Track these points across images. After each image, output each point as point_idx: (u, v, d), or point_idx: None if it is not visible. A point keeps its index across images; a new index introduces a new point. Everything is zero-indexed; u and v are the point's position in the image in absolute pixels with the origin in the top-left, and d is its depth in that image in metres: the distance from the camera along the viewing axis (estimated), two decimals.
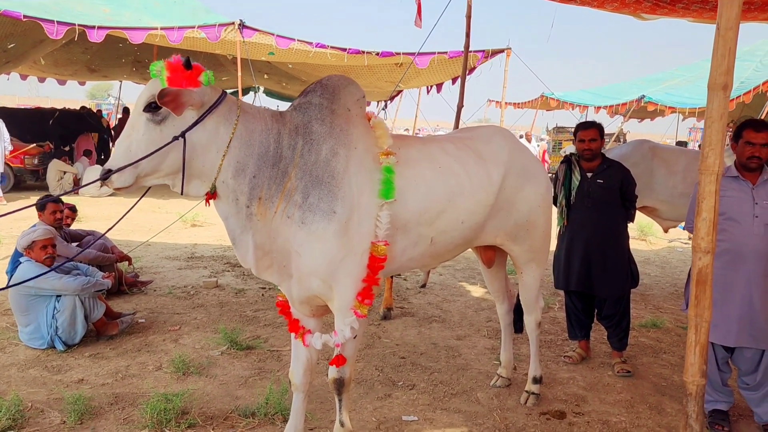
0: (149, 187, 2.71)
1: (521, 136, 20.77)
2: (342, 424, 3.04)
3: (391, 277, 5.58)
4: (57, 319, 4.37)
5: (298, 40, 10.34)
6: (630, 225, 4.81)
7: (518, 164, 3.38)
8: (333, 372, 2.95)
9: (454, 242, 3.17)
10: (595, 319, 4.77)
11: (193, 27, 9.93)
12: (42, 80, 19.68)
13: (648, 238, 10.33)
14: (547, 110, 20.84)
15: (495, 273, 3.99)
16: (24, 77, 19.01)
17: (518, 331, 4.18)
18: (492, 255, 3.78)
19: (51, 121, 15.48)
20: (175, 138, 2.54)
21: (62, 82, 19.93)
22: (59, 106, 17.74)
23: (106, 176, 2.51)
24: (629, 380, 4.39)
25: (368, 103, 16.37)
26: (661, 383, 4.36)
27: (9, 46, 14.33)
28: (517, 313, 4.11)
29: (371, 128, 2.92)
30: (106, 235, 6.30)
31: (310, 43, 10.43)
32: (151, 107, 2.52)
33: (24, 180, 12.94)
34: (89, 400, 3.62)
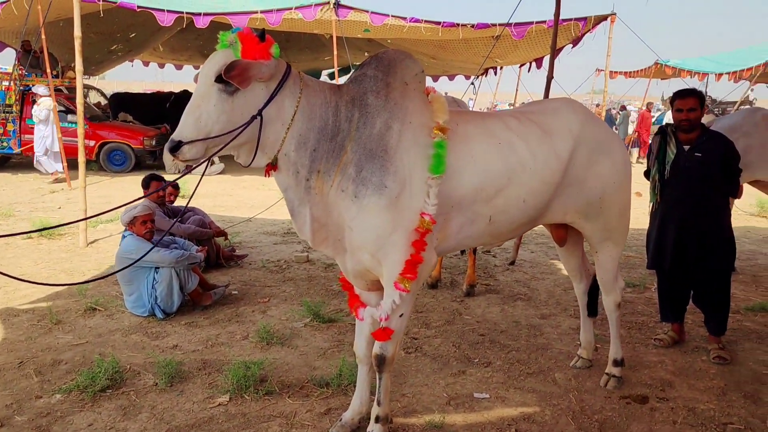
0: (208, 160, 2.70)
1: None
2: (379, 403, 3.06)
3: (474, 253, 5.52)
4: (156, 289, 4.71)
5: (392, 16, 10.34)
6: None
7: (590, 138, 3.20)
8: (376, 347, 2.95)
9: (516, 221, 3.07)
10: (690, 301, 4.48)
11: (291, 8, 10.19)
12: (162, 66, 21.05)
13: None
14: (662, 79, 19.56)
15: (570, 251, 3.83)
16: (146, 64, 20.42)
17: (592, 314, 3.99)
18: (563, 233, 3.63)
19: (168, 105, 16.54)
20: (254, 117, 2.57)
21: (179, 67, 21.24)
22: (177, 90, 18.87)
23: (176, 148, 2.53)
24: (725, 366, 4.10)
25: (468, 77, 16.01)
26: (762, 371, 4.04)
27: (131, 36, 15.47)
28: (591, 295, 3.93)
29: (429, 103, 2.88)
30: (206, 211, 6.72)
31: (404, 18, 10.40)
32: (224, 78, 2.48)
33: (143, 161, 13.92)
34: (180, 365, 3.89)
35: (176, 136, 2.55)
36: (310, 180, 2.72)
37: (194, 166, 2.64)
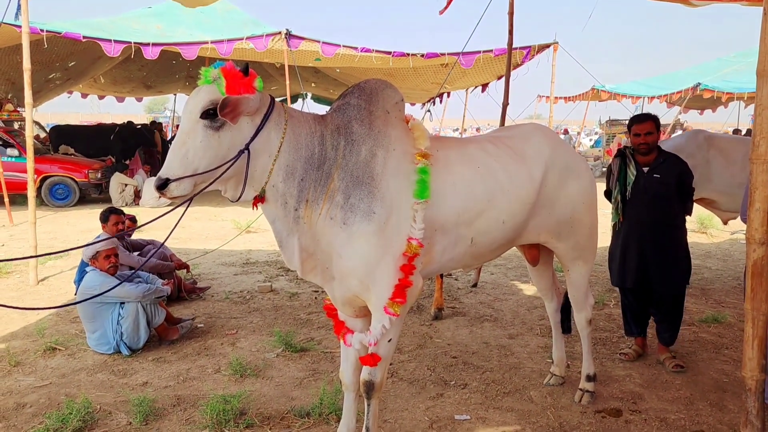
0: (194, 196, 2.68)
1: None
2: (368, 430, 3.06)
3: (441, 277, 5.59)
4: (122, 325, 4.57)
5: (343, 46, 10.48)
6: (689, 218, 4.67)
7: (560, 161, 3.34)
8: (364, 373, 2.97)
9: (496, 242, 3.15)
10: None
11: (242, 39, 10.20)
12: (101, 98, 20.56)
13: (709, 230, 10.00)
14: (599, 101, 20.47)
15: (541, 271, 3.95)
16: (85, 96, 19.90)
17: (566, 331, 4.12)
18: (536, 253, 3.75)
19: (112, 137, 16.14)
20: (241, 152, 2.56)
21: (120, 100, 20.77)
22: (120, 121, 18.46)
23: (163, 185, 2.49)
24: (689, 377, 4.28)
25: (413, 104, 16.36)
26: (723, 379, 4.23)
27: (70, 65, 15.09)
28: (564, 312, 4.06)
29: (409, 130, 2.95)
30: (165, 243, 6.58)
31: (356, 48, 10.56)
32: (209, 114, 2.49)
33: (88, 194, 13.51)
34: (153, 402, 3.78)
35: (163, 173, 2.51)
36: (298, 210, 2.72)
37: (188, 201, 2.61)
